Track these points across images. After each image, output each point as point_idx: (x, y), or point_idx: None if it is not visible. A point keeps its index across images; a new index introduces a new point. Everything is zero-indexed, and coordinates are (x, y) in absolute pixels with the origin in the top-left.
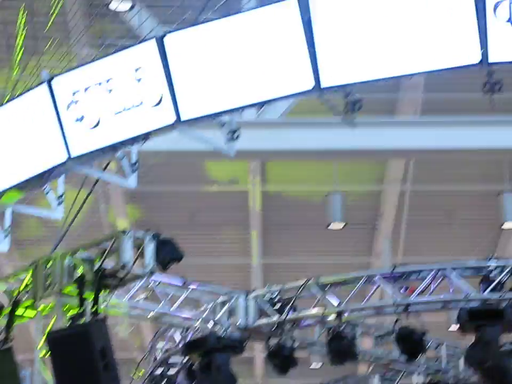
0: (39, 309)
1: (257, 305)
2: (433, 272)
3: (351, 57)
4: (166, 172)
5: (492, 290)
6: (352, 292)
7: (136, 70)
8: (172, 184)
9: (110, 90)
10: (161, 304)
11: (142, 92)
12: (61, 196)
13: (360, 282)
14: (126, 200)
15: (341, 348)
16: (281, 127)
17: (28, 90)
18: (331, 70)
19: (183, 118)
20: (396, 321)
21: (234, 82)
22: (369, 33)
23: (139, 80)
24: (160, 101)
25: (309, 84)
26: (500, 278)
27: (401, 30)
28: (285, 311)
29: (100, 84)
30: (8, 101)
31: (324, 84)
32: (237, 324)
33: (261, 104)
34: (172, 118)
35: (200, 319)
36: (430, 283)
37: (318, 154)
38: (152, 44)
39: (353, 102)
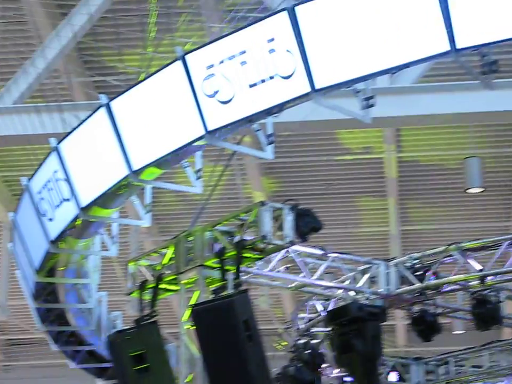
0: (182, 282)
1: (398, 273)
2: None
3: (486, 17)
4: (301, 143)
5: None
6: (495, 256)
7: (269, 41)
8: (307, 155)
9: (244, 63)
10: (302, 274)
11: (276, 63)
12: (199, 170)
13: (501, 247)
14: (262, 173)
15: (485, 313)
16: (415, 93)
17: (163, 67)
18: (466, 31)
19: (317, 87)
20: None
21: (368, 49)
22: None
23: (272, 51)
24: (294, 71)
25: (444, 46)
26: None
27: None
28: (426, 277)
29: (233, 57)
30: (143, 79)
31: (459, 45)
32: (379, 291)
33: (396, 70)
34: (306, 88)
35: (341, 288)
36: None
37: (454, 118)
38: (284, 15)
39: (489, 63)
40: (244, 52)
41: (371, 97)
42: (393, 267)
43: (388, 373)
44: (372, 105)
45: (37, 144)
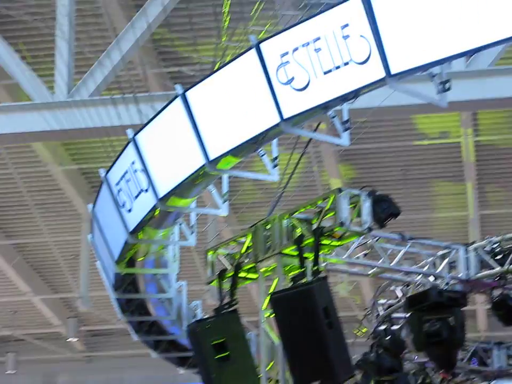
0: (261, 270)
1: (477, 257)
2: None
3: None
4: (377, 129)
5: None
6: None
7: (343, 27)
8: (384, 141)
9: (318, 50)
10: (381, 260)
11: (350, 49)
12: (275, 158)
13: None
14: (338, 160)
15: None
16: (492, 76)
17: (237, 56)
18: None
19: (392, 72)
20: None
21: (444, 32)
22: None
23: (346, 37)
24: (369, 56)
25: None
26: None
27: None
28: (507, 261)
29: (307, 44)
30: (218, 69)
31: None
32: (458, 276)
33: (472, 52)
34: (381, 73)
35: (420, 274)
36: None
37: None
38: (357, 1)
39: None
40: (318, 39)
41: (447, 81)
42: (473, 251)
43: (470, 358)
44: (448, 89)
45: (114, 135)
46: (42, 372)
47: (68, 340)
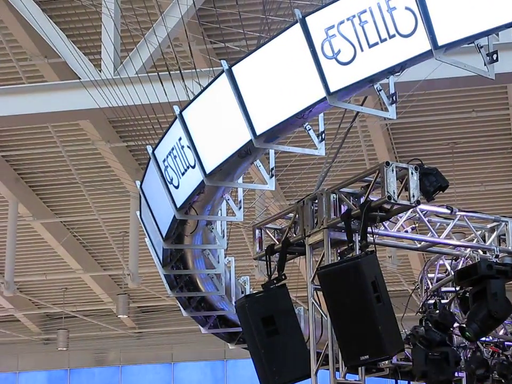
0: (309, 245)
1: None
2: None
3: None
4: (424, 102)
5: None
6: None
7: (388, 0)
8: (431, 114)
9: (364, 23)
10: (429, 234)
11: (396, 21)
12: (322, 132)
13: None
14: (385, 133)
15: None
16: None
17: (283, 30)
18: None
19: (439, 44)
20: None
21: (490, 2)
22: None
23: (392, 9)
24: (415, 28)
25: None
26: None
27: None
28: None
29: (353, 17)
30: (264, 44)
31: None
32: (508, 249)
33: None
34: (427, 46)
35: (469, 247)
36: None
37: None
38: None
39: None
40: (363, 12)
41: (494, 53)
42: None
43: None
44: (495, 61)
45: (160, 112)
46: (93, 349)
47: (118, 317)
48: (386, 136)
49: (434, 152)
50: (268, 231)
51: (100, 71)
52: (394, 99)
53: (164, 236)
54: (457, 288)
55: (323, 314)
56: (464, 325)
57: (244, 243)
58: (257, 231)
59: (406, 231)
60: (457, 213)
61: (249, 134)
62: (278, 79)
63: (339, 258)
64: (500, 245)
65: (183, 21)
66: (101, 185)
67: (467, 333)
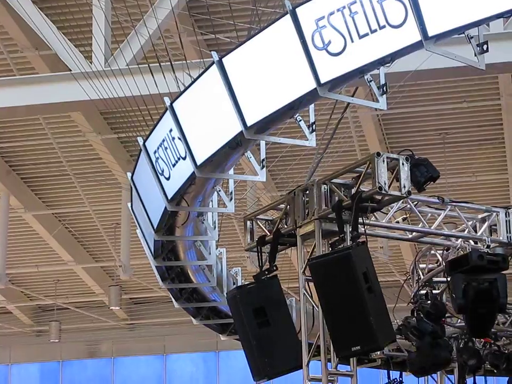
0: (300, 236)
1: None
2: None
3: None
4: (415, 93)
5: None
6: None
7: None
8: (422, 104)
9: (354, 14)
10: (421, 224)
11: (386, 12)
12: (313, 123)
13: None
14: (376, 124)
15: None
16: None
17: (273, 22)
18: None
19: (430, 34)
20: None
21: None
22: None
23: (383, 0)
24: (405, 19)
25: None
26: None
27: None
28: None
29: (343, 8)
30: (254, 35)
31: None
32: (499, 239)
33: (510, 13)
34: (417, 36)
35: (460, 238)
36: None
37: None
38: None
39: None
40: (354, 2)
41: (485, 43)
42: None
43: None
44: (485, 51)
45: (151, 104)
46: (85, 340)
47: (110, 308)
48: (377, 126)
49: (425, 143)
50: (259, 222)
51: (91, 63)
52: (385, 90)
53: (155, 227)
54: (449, 279)
55: (314, 305)
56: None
57: (235, 234)
58: (248, 222)
59: (397, 222)
60: (448, 204)
61: (240, 125)
62: (268, 70)
63: (330, 249)
64: (491, 235)
65: (173, 12)
66: (92, 177)
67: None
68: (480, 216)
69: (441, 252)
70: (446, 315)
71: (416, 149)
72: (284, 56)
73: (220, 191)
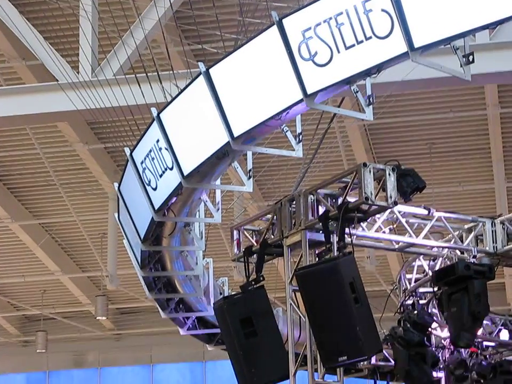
0: (287, 246)
1: (505, 230)
2: None
3: None
4: (401, 103)
5: None
6: None
7: (365, 1)
8: (408, 115)
9: (340, 25)
10: (407, 234)
11: (372, 24)
12: (300, 134)
13: None
14: (363, 134)
15: None
16: None
17: (260, 32)
18: None
19: (416, 46)
20: None
21: (466, 4)
22: None
23: (368, 11)
24: (391, 30)
25: None
26: None
27: None
28: None
29: (329, 19)
30: (241, 46)
31: None
32: (486, 249)
33: (495, 25)
34: (404, 47)
35: (447, 248)
36: None
37: None
38: None
39: None
40: (340, 14)
41: (471, 54)
42: (500, 224)
43: (499, 331)
44: (471, 62)
45: (138, 114)
46: (72, 350)
47: (96, 318)
48: (364, 137)
49: (412, 153)
50: (246, 233)
51: (78, 73)
52: (371, 100)
53: (142, 237)
54: (435, 289)
55: (301, 315)
56: (454, 339)
57: (222, 244)
58: (235, 232)
59: (384, 232)
60: (434, 214)
61: (227, 136)
62: (255, 81)
63: (317, 259)
64: (477, 245)
65: (160, 22)
66: (79, 187)
67: (461, 344)
68: (466, 226)
69: (427, 262)
70: (433, 325)
71: (402, 159)
72: (271, 67)
73: (206, 201)
